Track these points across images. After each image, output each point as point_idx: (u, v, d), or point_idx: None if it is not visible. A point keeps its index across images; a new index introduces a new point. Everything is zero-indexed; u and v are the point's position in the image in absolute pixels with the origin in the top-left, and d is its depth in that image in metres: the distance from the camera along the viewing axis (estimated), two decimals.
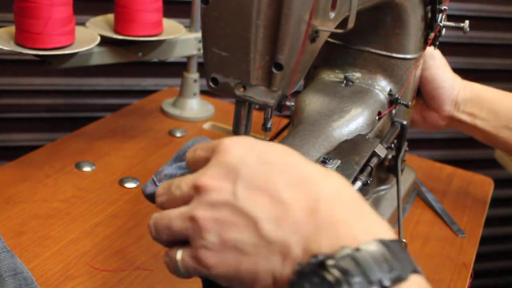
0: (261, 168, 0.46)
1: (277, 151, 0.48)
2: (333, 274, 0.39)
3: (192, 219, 0.46)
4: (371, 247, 0.41)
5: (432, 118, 0.95)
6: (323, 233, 0.42)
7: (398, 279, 0.40)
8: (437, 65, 0.91)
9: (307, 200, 0.44)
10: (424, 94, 0.94)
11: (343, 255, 0.40)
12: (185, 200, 0.48)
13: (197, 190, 0.47)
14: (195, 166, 0.51)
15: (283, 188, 0.45)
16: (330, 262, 0.40)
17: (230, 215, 0.45)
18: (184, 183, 0.49)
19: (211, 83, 0.60)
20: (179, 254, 0.48)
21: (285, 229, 0.43)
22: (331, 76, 0.86)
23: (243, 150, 0.48)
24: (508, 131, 0.91)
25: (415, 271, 0.42)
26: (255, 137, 0.51)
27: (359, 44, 0.84)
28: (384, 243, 0.41)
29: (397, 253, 0.41)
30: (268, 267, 0.44)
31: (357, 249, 0.40)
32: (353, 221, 0.43)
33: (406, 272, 0.41)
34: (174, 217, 0.48)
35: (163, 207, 0.50)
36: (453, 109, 0.93)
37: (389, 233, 0.43)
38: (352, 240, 0.41)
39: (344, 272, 0.39)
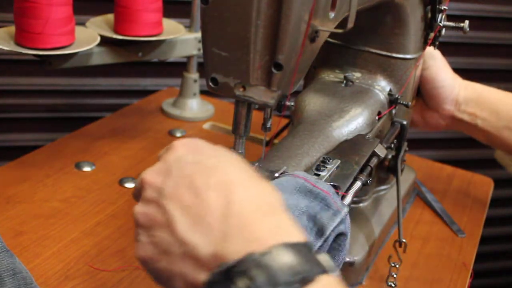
0: (191, 168, 0.47)
1: (214, 154, 0.49)
2: (239, 284, 0.40)
3: (133, 214, 0.48)
4: (278, 251, 0.41)
5: (433, 118, 0.95)
6: (232, 238, 0.42)
7: (304, 281, 0.40)
8: (437, 65, 0.91)
9: (221, 203, 0.44)
10: (424, 94, 0.94)
11: (249, 260, 0.40)
12: (140, 193, 0.50)
13: (141, 184, 0.49)
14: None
15: (204, 189, 0.45)
16: (236, 269, 0.40)
17: (155, 212, 0.46)
18: (138, 178, 0.51)
19: (211, 83, 0.60)
20: None
21: (197, 231, 0.43)
22: (331, 76, 0.86)
23: (184, 150, 0.49)
24: (509, 131, 0.91)
25: (324, 271, 0.42)
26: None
27: (359, 44, 0.84)
28: (291, 245, 0.41)
29: (305, 255, 0.41)
30: (181, 270, 0.44)
31: (264, 254, 0.40)
32: (262, 225, 0.43)
33: (313, 274, 0.41)
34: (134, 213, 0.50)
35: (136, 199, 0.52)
36: (453, 109, 0.93)
37: (299, 236, 0.43)
38: (260, 245, 0.41)
39: (250, 278, 0.39)
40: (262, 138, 1.05)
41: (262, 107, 0.60)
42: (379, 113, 0.81)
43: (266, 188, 0.47)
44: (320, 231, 0.58)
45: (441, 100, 0.92)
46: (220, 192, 0.44)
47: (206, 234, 0.43)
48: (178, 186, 0.46)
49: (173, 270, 0.45)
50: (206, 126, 1.16)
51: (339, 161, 0.70)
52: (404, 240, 0.78)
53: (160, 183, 0.47)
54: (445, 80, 0.92)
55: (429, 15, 0.84)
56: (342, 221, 0.59)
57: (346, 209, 0.60)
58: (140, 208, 0.48)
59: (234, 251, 0.42)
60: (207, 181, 0.45)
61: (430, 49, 0.90)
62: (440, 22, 0.84)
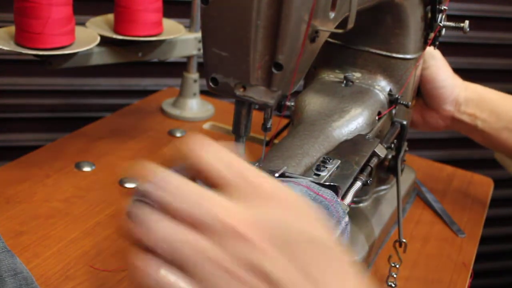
0: (303, 248, 0.40)
1: (311, 218, 0.42)
2: None
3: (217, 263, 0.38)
4: None
5: (432, 119, 0.95)
6: None
7: None
8: (437, 65, 0.91)
9: None
10: (424, 94, 0.94)
11: None
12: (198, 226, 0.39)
13: (225, 230, 0.39)
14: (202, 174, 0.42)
15: (322, 281, 0.39)
16: None
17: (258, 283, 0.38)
18: (210, 210, 0.39)
19: (211, 83, 0.60)
20: (164, 273, 0.39)
21: None
22: (331, 76, 0.86)
23: (279, 206, 0.41)
24: (508, 132, 0.91)
25: None
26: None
27: (359, 44, 0.84)
28: None
29: None
30: None
31: None
32: None
33: None
34: (182, 242, 0.39)
35: (163, 208, 0.40)
36: (453, 110, 0.93)
37: None
38: None
39: None
40: (262, 138, 1.05)
41: (262, 107, 0.60)
42: (379, 113, 0.81)
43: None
44: None
45: (442, 100, 0.92)
46: (335, 278, 0.39)
47: None
48: (293, 270, 0.39)
49: None
50: (206, 126, 1.16)
51: (339, 161, 0.70)
52: (404, 240, 0.78)
53: (267, 250, 0.38)
54: (445, 80, 0.92)
55: (429, 15, 0.84)
56: (342, 232, 0.59)
57: (346, 218, 0.59)
58: (227, 265, 0.38)
59: None
60: (324, 271, 0.39)
61: (430, 49, 0.90)
62: (440, 22, 0.84)
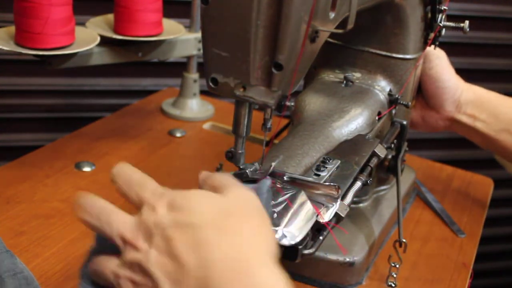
0: (171, 232, 0.49)
1: (193, 207, 0.51)
2: None
3: (114, 275, 0.53)
4: None
5: (432, 119, 0.95)
6: None
7: None
8: (442, 64, 0.91)
9: (199, 266, 0.47)
10: (426, 93, 0.94)
11: None
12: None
13: (121, 241, 0.52)
14: None
15: (184, 253, 0.48)
16: None
17: (142, 279, 0.50)
18: (113, 229, 0.53)
19: (211, 83, 0.60)
20: None
21: None
22: (331, 76, 0.86)
23: (163, 209, 0.51)
24: (507, 134, 0.91)
25: None
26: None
27: (359, 44, 0.84)
28: None
29: None
30: None
31: None
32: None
33: None
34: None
35: None
36: (454, 110, 0.93)
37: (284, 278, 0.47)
38: None
39: None
40: (262, 138, 1.05)
41: (262, 107, 0.60)
42: (379, 113, 0.81)
43: (245, 239, 0.49)
44: None
45: (444, 101, 0.92)
46: (197, 254, 0.48)
47: None
48: (161, 253, 0.49)
49: None
50: (206, 126, 1.16)
51: (339, 161, 0.70)
52: (404, 240, 0.78)
53: (144, 249, 0.50)
54: (449, 80, 0.91)
55: (429, 15, 0.84)
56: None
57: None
58: (124, 272, 0.51)
59: None
60: (186, 244, 0.48)
61: (435, 49, 0.89)
62: (440, 22, 0.84)
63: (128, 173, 0.57)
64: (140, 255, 0.49)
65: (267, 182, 0.60)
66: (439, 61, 0.91)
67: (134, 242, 0.50)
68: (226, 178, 0.55)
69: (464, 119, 0.93)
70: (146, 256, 0.49)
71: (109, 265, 0.52)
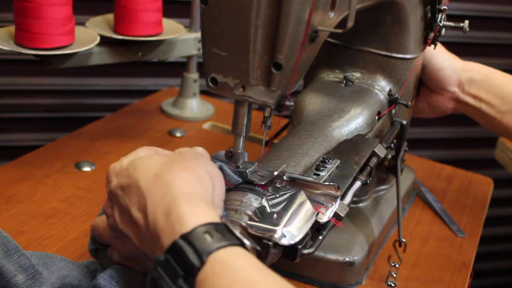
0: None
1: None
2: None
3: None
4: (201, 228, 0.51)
5: (439, 103, 0.95)
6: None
7: (220, 247, 0.49)
8: (430, 48, 0.91)
9: (144, 215, 0.55)
10: (425, 80, 0.93)
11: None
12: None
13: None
14: None
15: (130, 206, 0.57)
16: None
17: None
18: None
19: (210, 83, 0.60)
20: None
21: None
22: (331, 76, 0.86)
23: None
24: None
25: (237, 244, 0.51)
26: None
27: (358, 44, 0.84)
28: (211, 224, 0.51)
29: (223, 231, 0.51)
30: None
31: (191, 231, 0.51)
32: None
33: (230, 242, 0.50)
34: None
35: None
36: (457, 90, 0.92)
37: (217, 218, 0.53)
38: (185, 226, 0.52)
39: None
40: (262, 138, 1.05)
41: (262, 107, 0.60)
42: (378, 113, 0.81)
43: (177, 184, 0.55)
44: None
45: (444, 82, 0.92)
46: (139, 204, 0.56)
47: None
48: (120, 214, 0.59)
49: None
50: (206, 126, 1.16)
51: (339, 161, 0.70)
52: (404, 240, 0.78)
53: (111, 214, 0.60)
54: (442, 61, 0.91)
55: (429, 15, 0.84)
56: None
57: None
58: (110, 234, 0.62)
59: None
60: (130, 200, 0.57)
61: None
62: (440, 22, 0.84)
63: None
64: (111, 219, 0.60)
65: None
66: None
67: (105, 209, 0.61)
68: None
69: (469, 100, 0.92)
70: (113, 218, 0.59)
71: (102, 230, 0.64)
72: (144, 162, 0.58)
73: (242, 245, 0.51)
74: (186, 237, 0.50)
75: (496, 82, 0.91)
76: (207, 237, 0.50)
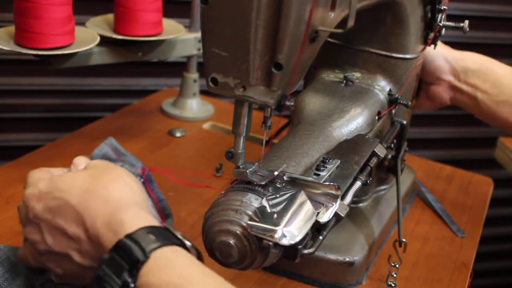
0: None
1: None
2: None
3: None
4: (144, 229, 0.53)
5: (436, 94, 0.94)
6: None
7: (163, 245, 0.52)
8: None
9: (85, 231, 0.56)
10: (421, 73, 0.93)
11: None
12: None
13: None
14: None
15: (67, 224, 0.58)
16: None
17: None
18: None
19: (210, 83, 0.60)
20: None
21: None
22: (331, 76, 0.86)
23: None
24: (509, 107, 0.90)
25: (178, 244, 0.54)
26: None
27: (359, 44, 0.84)
28: (154, 227, 0.54)
29: (165, 233, 0.54)
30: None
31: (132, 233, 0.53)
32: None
33: (172, 242, 0.53)
34: None
35: None
36: (453, 79, 0.92)
37: (156, 223, 0.56)
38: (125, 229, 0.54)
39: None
40: (262, 138, 1.05)
41: (262, 107, 0.60)
42: (379, 113, 0.81)
43: (112, 193, 0.58)
44: None
45: (437, 71, 0.92)
46: (78, 221, 0.57)
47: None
48: (53, 236, 0.58)
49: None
50: (206, 126, 1.16)
51: (339, 161, 0.70)
52: (404, 240, 0.78)
53: (40, 239, 0.59)
54: (432, 53, 0.91)
55: (429, 15, 0.84)
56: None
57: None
58: (45, 258, 0.60)
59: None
60: (66, 219, 0.57)
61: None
62: (440, 22, 0.84)
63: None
64: (43, 245, 0.58)
65: (152, 178, 0.67)
66: None
67: (31, 237, 0.59)
68: (83, 159, 0.65)
69: (465, 88, 0.92)
70: (45, 243, 0.58)
71: (31, 257, 0.61)
72: (67, 183, 0.59)
73: (184, 246, 0.54)
74: (130, 236, 0.53)
75: (493, 71, 0.91)
76: (151, 236, 0.53)
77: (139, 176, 0.65)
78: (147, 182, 0.65)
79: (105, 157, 0.67)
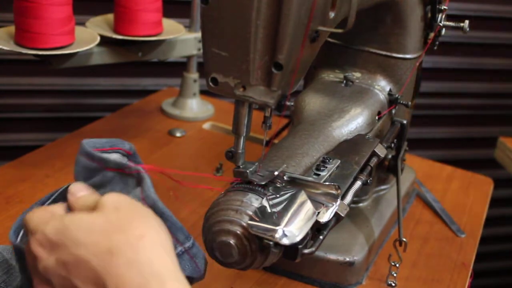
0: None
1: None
2: None
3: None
4: None
5: None
6: None
7: None
8: None
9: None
10: None
11: None
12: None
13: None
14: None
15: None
16: None
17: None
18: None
19: (211, 83, 0.60)
20: None
21: None
22: (331, 76, 0.86)
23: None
24: None
25: None
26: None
27: (359, 44, 0.84)
28: None
29: None
30: None
31: None
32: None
33: None
34: None
35: None
36: None
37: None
38: None
39: None
40: (262, 138, 1.05)
41: (262, 107, 0.60)
42: (379, 113, 0.81)
43: (146, 257, 0.47)
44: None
45: None
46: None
47: None
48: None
49: None
50: (206, 126, 1.16)
51: (339, 161, 0.70)
52: (404, 239, 0.78)
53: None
54: None
55: (429, 15, 0.84)
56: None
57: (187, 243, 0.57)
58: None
59: None
60: (85, 280, 0.48)
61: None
62: (440, 22, 0.84)
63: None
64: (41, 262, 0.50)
65: (145, 177, 0.56)
66: None
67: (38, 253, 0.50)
68: (91, 198, 0.53)
69: None
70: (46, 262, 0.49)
71: None
72: (84, 234, 0.48)
73: None
74: None
75: None
76: None
77: (132, 179, 0.57)
78: (141, 182, 0.56)
79: (86, 170, 0.57)
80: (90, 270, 0.47)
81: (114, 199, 0.51)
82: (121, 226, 0.48)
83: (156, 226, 0.50)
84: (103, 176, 0.56)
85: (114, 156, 0.58)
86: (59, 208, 0.54)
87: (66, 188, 0.56)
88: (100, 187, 0.56)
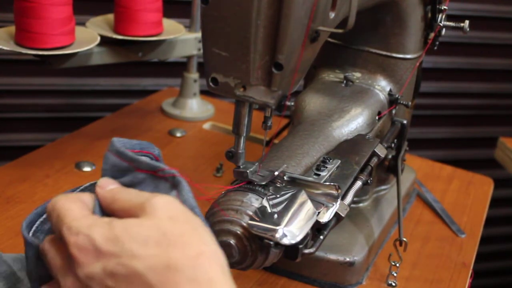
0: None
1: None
2: None
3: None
4: None
5: None
6: None
7: None
8: None
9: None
10: None
11: None
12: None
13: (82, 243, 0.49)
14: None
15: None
16: None
17: None
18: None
19: (211, 83, 0.60)
20: None
21: None
22: (331, 76, 0.86)
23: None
24: None
25: None
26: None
27: (359, 44, 0.84)
28: None
29: None
30: None
31: None
32: None
33: None
34: None
35: None
36: None
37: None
38: None
39: None
40: (262, 138, 1.05)
41: (263, 107, 0.60)
42: (379, 113, 0.81)
43: (203, 266, 0.46)
44: None
45: None
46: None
47: None
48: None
49: None
50: (206, 126, 1.16)
51: (339, 161, 0.70)
52: (404, 239, 0.78)
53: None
54: None
55: (429, 15, 0.84)
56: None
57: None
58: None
59: None
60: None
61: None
62: (440, 22, 0.84)
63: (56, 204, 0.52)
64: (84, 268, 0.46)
65: (182, 181, 0.53)
66: None
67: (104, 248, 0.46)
68: (133, 195, 0.50)
69: None
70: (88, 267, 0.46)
71: None
72: (139, 245, 0.45)
73: None
74: None
75: None
76: None
77: (171, 188, 0.53)
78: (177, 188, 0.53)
79: (115, 169, 0.56)
80: (145, 284, 0.44)
81: (166, 206, 0.48)
82: (178, 240, 0.45)
83: (212, 242, 0.48)
84: (134, 176, 0.54)
85: (144, 159, 0.55)
86: (88, 197, 0.52)
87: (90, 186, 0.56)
88: (129, 187, 0.55)
